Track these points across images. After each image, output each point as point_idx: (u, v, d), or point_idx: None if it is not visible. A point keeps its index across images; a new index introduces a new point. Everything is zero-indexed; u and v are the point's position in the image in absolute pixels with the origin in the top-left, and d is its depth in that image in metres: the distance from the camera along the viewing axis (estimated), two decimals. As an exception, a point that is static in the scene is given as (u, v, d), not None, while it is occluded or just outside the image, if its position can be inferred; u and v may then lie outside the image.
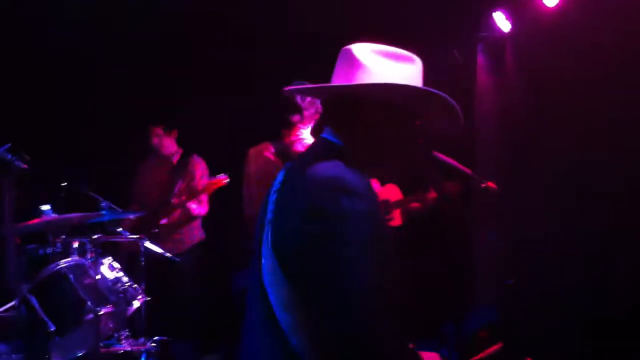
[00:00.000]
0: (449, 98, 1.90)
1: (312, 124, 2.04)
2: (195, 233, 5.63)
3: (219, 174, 5.28)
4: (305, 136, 2.01)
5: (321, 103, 2.04)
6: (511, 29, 5.78)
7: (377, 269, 1.71)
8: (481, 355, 4.55)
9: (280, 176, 1.99)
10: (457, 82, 5.81)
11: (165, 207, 5.44)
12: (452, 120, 1.98)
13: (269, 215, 1.89)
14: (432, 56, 5.39)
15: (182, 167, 5.61)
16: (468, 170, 3.33)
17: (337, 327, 1.69)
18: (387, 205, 5.13)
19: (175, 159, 5.66)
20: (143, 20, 6.01)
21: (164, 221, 5.43)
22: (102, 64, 6.30)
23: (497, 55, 6.03)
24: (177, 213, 5.49)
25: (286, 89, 2.01)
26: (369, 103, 1.91)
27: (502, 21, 5.74)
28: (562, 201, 5.18)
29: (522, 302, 4.90)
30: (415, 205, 5.30)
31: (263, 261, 1.87)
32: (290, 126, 3.73)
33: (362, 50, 1.93)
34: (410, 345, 2.06)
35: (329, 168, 1.79)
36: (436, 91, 1.89)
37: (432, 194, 5.17)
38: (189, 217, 5.51)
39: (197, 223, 5.64)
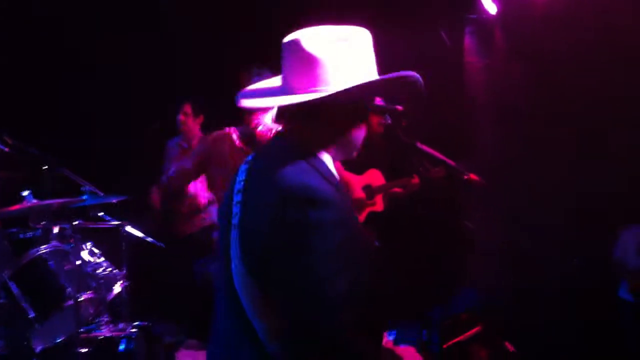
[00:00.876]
0: (412, 74, 1.83)
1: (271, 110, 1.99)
2: (206, 216, 5.69)
3: None
4: (267, 121, 1.96)
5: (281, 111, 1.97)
6: (499, 11, 5.73)
7: (346, 277, 1.70)
8: (461, 337, 4.58)
9: (242, 174, 1.95)
10: (445, 65, 5.78)
11: (183, 192, 5.53)
12: (414, 94, 1.92)
13: (235, 218, 1.87)
14: (420, 38, 5.41)
15: None
16: (450, 161, 3.32)
17: (309, 336, 1.69)
18: (370, 190, 5.11)
19: (195, 144, 5.67)
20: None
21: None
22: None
23: (485, 38, 5.99)
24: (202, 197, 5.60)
25: (241, 103, 1.95)
26: (331, 102, 1.84)
27: (488, 3, 5.69)
28: (551, 185, 5.18)
29: (504, 287, 4.93)
30: (398, 190, 5.29)
31: (233, 264, 1.86)
32: (251, 112, 3.67)
33: (312, 43, 1.84)
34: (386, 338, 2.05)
35: (295, 175, 1.76)
36: (404, 74, 1.83)
37: (415, 180, 5.16)
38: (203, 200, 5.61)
39: (212, 207, 5.70)
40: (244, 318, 1.82)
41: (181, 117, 5.62)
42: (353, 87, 1.79)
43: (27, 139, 4.81)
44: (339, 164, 4.41)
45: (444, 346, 4.51)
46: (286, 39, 1.89)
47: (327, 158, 1.91)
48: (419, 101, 1.98)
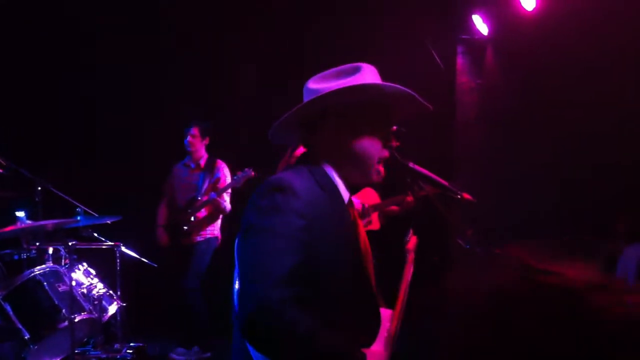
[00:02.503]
0: (399, 87, 1.95)
1: None
2: (209, 228, 5.77)
3: (243, 170, 5.49)
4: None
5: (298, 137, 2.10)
6: (490, 32, 5.79)
7: (293, 260, 1.74)
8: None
9: None
10: (437, 84, 5.83)
11: (192, 204, 5.67)
12: (417, 108, 2.05)
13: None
14: (412, 58, 5.46)
15: (209, 169, 5.87)
16: (443, 181, 3.34)
17: (246, 304, 1.70)
18: (364, 209, 5.14)
19: (202, 163, 5.89)
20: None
21: (192, 219, 5.67)
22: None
23: (477, 58, 6.05)
24: (204, 211, 5.71)
25: (269, 134, 2.07)
26: (332, 116, 1.98)
27: (480, 24, 5.75)
28: (540, 202, 5.21)
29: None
30: (393, 208, 5.31)
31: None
32: None
33: (315, 79, 2.03)
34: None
35: (285, 174, 1.91)
36: (385, 84, 1.95)
37: (410, 197, 5.18)
38: (214, 216, 5.73)
39: (218, 224, 5.83)
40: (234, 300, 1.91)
41: (189, 139, 5.81)
42: (329, 92, 1.93)
43: (20, 160, 4.83)
44: None
45: None
46: None
47: (331, 172, 2.00)
48: (412, 109, 2.06)
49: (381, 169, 2.04)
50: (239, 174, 5.53)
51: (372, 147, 1.99)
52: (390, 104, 2.02)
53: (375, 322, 2.01)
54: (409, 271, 2.47)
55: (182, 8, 6.27)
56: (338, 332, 1.81)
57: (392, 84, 1.95)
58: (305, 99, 2.02)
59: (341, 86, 1.95)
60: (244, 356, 1.88)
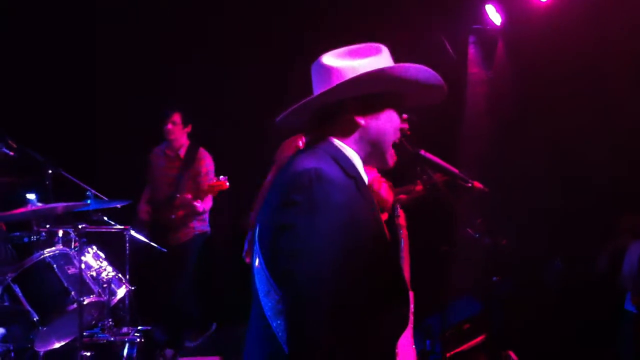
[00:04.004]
0: (421, 67, 1.91)
1: None
2: (198, 225, 5.66)
3: (220, 175, 5.28)
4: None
5: (308, 120, 2.03)
6: (503, 22, 5.76)
7: (342, 261, 1.72)
8: (464, 347, 4.57)
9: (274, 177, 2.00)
10: (448, 75, 5.80)
11: (171, 202, 5.50)
12: (436, 93, 2.01)
13: (259, 215, 1.93)
14: (424, 47, 5.44)
15: (189, 162, 5.62)
16: (454, 169, 3.33)
17: (295, 309, 1.71)
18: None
19: (182, 152, 5.65)
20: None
21: (172, 216, 5.50)
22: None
23: (489, 48, 6.02)
24: (184, 210, 5.54)
25: (277, 119, 2.01)
26: (350, 102, 1.92)
27: (493, 14, 5.72)
28: (548, 196, 5.21)
29: (504, 296, 4.94)
30: (402, 197, 5.30)
31: (254, 256, 1.90)
32: None
33: (329, 58, 1.96)
34: None
35: (309, 161, 1.82)
36: (406, 65, 1.91)
37: (419, 186, 5.16)
38: (195, 213, 5.55)
39: (205, 216, 5.69)
40: (257, 300, 1.86)
41: (169, 126, 5.56)
42: (353, 77, 1.87)
43: (31, 143, 4.85)
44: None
45: (447, 355, 4.51)
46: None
47: (352, 154, 1.95)
48: (441, 96, 2.01)
49: (393, 152, 2.02)
50: (212, 181, 5.27)
51: (389, 131, 1.96)
52: (407, 89, 1.98)
53: (407, 308, 1.99)
54: (405, 247, 2.47)
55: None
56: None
57: (427, 69, 1.91)
58: (318, 76, 1.97)
59: (364, 67, 1.90)
60: (265, 342, 1.85)
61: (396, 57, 2.02)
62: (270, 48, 6.25)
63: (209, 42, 6.29)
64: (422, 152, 3.27)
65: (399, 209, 2.59)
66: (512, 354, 4.39)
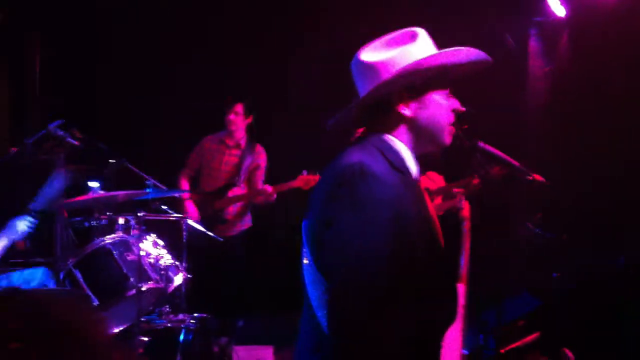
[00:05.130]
0: (458, 49, 1.89)
1: None
2: (246, 219, 5.71)
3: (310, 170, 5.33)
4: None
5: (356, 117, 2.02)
6: (567, 15, 5.62)
7: (385, 254, 1.72)
8: (518, 343, 4.49)
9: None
10: (508, 67, 5.71)
11: (229, 189, 5.53)
12: (480, 65, 1.98)
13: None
14: (484, 39, 5.36)
15: (250, 153, 5.64)
16: (514, 162, 3.28)
17: (341, 300, 1.72)
18: (429, 193, 5.08)
19: (243, 144, 5.68)
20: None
21: (227, 210, 5.56)
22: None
23: (551, 41, 5.88)
24: (243, 200, 5.60)
25: (328, 125, 2.01)
26: (394, 95, 1.91)
27: (557, 6, 5.59)
28: (611, 192, 5.08)
29: (564, 293, 4.84)
30: (459, 191, 5.23)
31: (302, 248, 1.93)
32: None
33: (367, 54, 1.95)
34: None
35: (356, 156, 1.83)
36: (448, 50, 1.89)
37: (476, 180, 5.10)
38: (249, 204, 5.61)
39: (248, 211, 5.73)
40: (305, 291, 1.89)
41: (231, 116, 5.55)
42: (400, 71, 1.85)
43: (95, 133, 4.97)
44: None
45: (501, 351, 4.44)
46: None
47: (400, 146, 1.93)
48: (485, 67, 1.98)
49: (452, 129, 1.99)
50: (307, 175, 5.28)
51: (440, 114, 1.94)
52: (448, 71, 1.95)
53: (455, 302, 1.99)
54: (467, 241, 2.44)
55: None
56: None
57: (464, 49, 1.90)
58: (360, 74, 1.96)
59: (402, 56, 1.88)
60: (312, 332, 1.88)
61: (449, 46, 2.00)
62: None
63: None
64: (481, 143, 3.23)
65: (462, 201, 2.55)
66: (568, 352, 4.30)
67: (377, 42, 1.96)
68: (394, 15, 5.67)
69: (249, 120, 5.66)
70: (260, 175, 5.59)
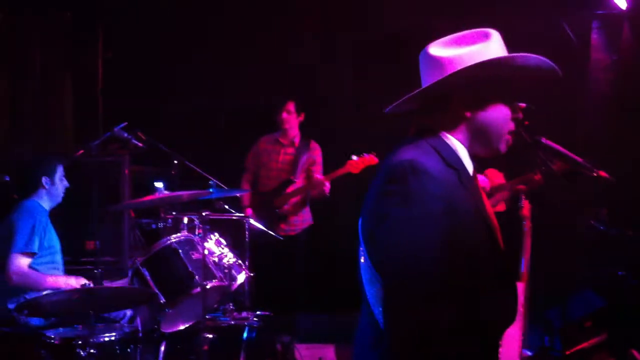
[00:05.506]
0: (529, 55, 1.86)
1: None
2: (307, 217, 5.77)
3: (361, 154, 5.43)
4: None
5: (415, 109, 2.02)
6: (628, 7, 5.49)
7: (437, 251, 1.73)
8: (585, 345, 4.42)
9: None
10: (570, 60, 5.61)
11: (287, 186, 5.62)
12: (548, 76, 1.94)
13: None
14: (545, 31, 5.29)
15: (304, 149, 5.73)
16: (578, 158, 3.23)
17: (396, 298, 1.74)
18: (486, 192, 5.03)
19: (297, 141, 5.76)
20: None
21: (286, 206, 5.63)
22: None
23: (613, 34, 5.76)
24: (300, 195, 5.68)
25: (387, 109, 2.03)
26: (457, 93, 1.91)
27: (618, -1, 5.48)
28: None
29: (630, 291, 4.73)
30: (521, 187, 5.17)
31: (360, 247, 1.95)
32: None
33: (436, 48, 1.94)
34: None
35: (409, 152, 1.84)
36: (516, 55, 1.86)
37: (537, 176, 5.03)
38: (306, 200, 5.66)
39: (308, 207, 5.79)
40: (366, 299, 1.90)
41: (284, 114, 5.64)
42: (463, 68, 1.85)
43: (158, 136, 5.11)
44: None
45: (567, 353, 4.38)
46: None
47: (456, 144, 1.93)
48: (554, 78, 1.95)
49: (510, 138, 1.98)
50: (356, 159, 5.42)
51: (498, 121, 1.92)
52: (519, 74, 1.93)
53: (514, 300, 1.97)
54: (528, 240, 2.42)
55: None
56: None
57: (535, 56, 1.87)
58: (426, 67, 1.96)
59: (472, 55, 1.87)
60: (371, 329, 1.90)
61: (515, 43, 1.98)
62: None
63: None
64: (543, 139, 3.19)
65: (523, 200, 2.54)
66: (636, 354, 4.21)
67: (448, 38, 1.96)
68: (458, 7, 5.65)
69: (301, 117, 5.73)
70: (318, 170, 5.68)
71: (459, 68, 1.86)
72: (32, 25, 5.98)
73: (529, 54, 1.87)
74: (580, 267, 5.14)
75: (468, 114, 1.91)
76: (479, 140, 1.95)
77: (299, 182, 5.63)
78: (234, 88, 6.45)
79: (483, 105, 1.91)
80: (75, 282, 4.25)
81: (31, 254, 4.23)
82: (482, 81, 1.89)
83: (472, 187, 1.93)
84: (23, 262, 4.18)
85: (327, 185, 5.51)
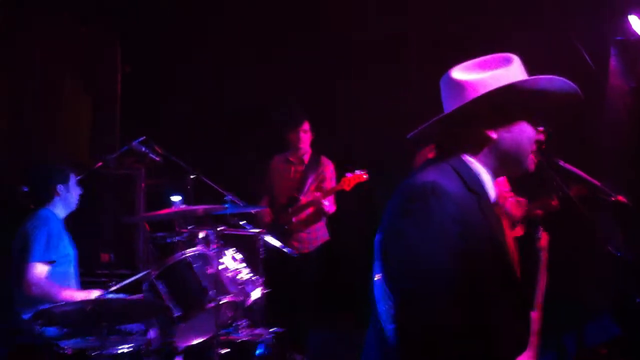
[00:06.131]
0: (553, 77, 1.89)
1: None
2: (321, 233, 5.77)
3: (353, 171, 5.45)
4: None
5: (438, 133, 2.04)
6: (648, 33, 5.49)
7: (449, 274, 1.75)
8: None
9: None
10: (587, 87, 5.61)
11: (294, 203, 5.62)
12: (570, 100, 1.96)
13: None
14: (562, 57, 5.30)
15: (314, 166, 5.74)
16: (596, 182, 3.23)
17: (411, 314, 1.76)
18: (511, 219, 5.02)
19: (306, 159, 5.79)
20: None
21: (293, 219, 5.62)
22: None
23: (631, 61, 5.75)
24: (306, 212, 5.66)
25: (409, 135, 2.04)
26: (481, 116, 1.92)
27: (637, 25, 5.47)
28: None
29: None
30: (538, 212, 5.16)
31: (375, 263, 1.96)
32: None
33: (458, 72, 1.97)
34: None
35: (430, 174, 1.87)
36: (541, 77, 1.89)
37: (554, 201, 5.02)
38: (318, 216, 5.67)
39: (322, 223, 5.79)
40: (374, 306, 1.92)
41: (301, 134, 5.67)
42: (492, 90, 1.87)
43: (175, 150, 5.14)
44: None
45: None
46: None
47: (479, 168, 1.95)
48: (577, 103, 1.96)
49: (534, 158, 2.00)
50: (349, 175, 5.43)
51: (523, 142, 1.94)
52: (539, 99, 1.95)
53: (527, 329, 1.98)
54: (543, 272, 2.42)
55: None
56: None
57: (559, 78, 1.90)
58: (448, 91, 1.98)
59: (494, 79, 1.89)
60: (378, 345, 1.91)
61: (532, 67, 2.00)
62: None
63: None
64: (561, 162, 3.19)
65: (541, 231, 2.54)
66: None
67: (471, 63, 1.98)
68: (463, 32, 5.68)
69: (313, 135, 5.78)
70: (328, 186, 5.65)
71: (483, 92, 1.88)
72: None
73: (553, 76, 1.90)
74: (596, 293, 5.09)
75: (494, 135, 1.93)
76: (506, 161, 1.96)
77: (304, 199, 5.63)
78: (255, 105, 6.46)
79: (508, 126, 1.93)
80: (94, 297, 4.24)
81: (49, 262, 4.21)
82: (507, 103, 1.91)
83: (491, 215, 1.94)
84: (41, 270, 4.15)
85: (324, 202, 5.51)
